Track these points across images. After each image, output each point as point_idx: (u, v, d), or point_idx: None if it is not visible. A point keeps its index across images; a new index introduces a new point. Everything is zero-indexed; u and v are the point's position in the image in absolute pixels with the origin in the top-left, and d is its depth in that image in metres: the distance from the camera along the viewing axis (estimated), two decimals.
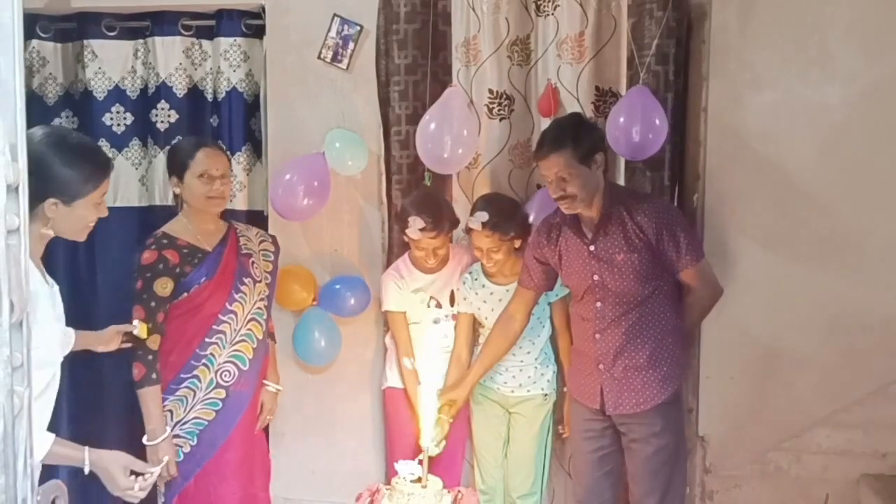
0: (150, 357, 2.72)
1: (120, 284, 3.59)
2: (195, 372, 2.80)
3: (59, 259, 3.63)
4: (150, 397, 2.73)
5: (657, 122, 2.89)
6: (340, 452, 3.40)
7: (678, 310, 2.82)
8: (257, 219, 3.45)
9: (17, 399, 0.86)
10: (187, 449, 2.80)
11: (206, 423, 2.81)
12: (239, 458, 2.89)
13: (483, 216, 2.94)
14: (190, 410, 2.80)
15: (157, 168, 3.56)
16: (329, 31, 3.29)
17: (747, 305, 3.06)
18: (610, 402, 2.80)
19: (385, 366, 3.31)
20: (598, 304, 2.77)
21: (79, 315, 3.53)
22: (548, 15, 3.14)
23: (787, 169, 3.02)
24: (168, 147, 3.33)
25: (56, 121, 3.62)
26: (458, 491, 3.00)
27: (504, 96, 3.20)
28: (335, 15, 3.28)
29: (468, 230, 3.04)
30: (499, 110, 3.20)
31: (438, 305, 3.17)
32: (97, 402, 3.61)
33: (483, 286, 3.11)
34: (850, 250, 3.01)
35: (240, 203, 3.51)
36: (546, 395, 3.14)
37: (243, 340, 2.87)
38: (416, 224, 2.98)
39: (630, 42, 3.07)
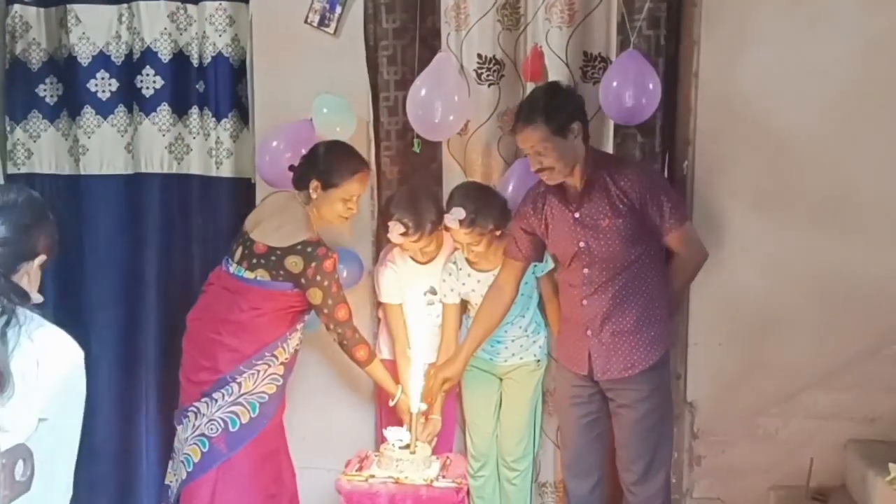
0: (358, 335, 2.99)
1: (108, 252, 3.60)
2: (275, 352, 2.89)
3: None
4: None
5: (650, 86, 2.86)
6: (330, 419, 3.41)
7: (664, 274, 2.81)
8: (244, 187, 3.43)
9: None
10: (245, 419, 2.85)
11: (268, 396, 2.89)
12: (278, 434, 3.02)
13: (460, 213, 2.88)
14: (259, 384, 2.87)
15: (142, 135, 3.52)
16: None
17: (736, 271, 3.06)
18: (598, 368, 2.80)
19: (377, 337, 3.31)
20: (585, 270, 2.76)
21: (65, 286, 3.54)
22: None
23: (777, 133, 3.01)
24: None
25: (40, 87, 3.58)
26: (447, 457, 3.03)
27: (493, 61, 3.16)
28: None
29: (445, 227, 2.98)
30: (488, 75, 3.16)
31: (433, 292, 3.16)
32: None
33: (469, 275, 3.08)
34: (841, 214, 3.00)
35: (226, 170, 3.48)
36: (538, 360, 3.15)
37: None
38: (395, 229, 2.95)
39: (620, 5, 3.02)
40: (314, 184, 2.88)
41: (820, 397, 3.06)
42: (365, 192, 3.01)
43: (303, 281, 2.82)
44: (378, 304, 3.28)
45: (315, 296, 2.84)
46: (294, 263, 2.81)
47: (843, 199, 2.99)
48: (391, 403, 3.09)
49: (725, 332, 3.10)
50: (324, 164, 2.90)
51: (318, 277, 2.82)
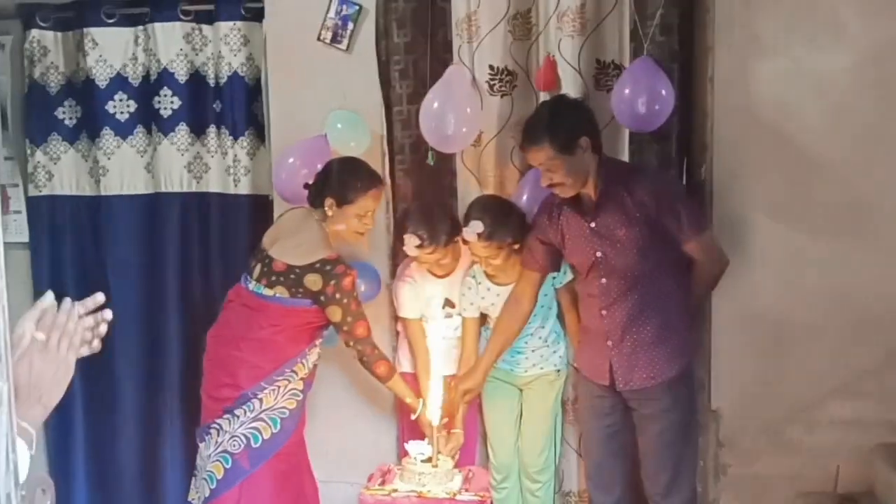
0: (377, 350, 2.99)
1: (128, 272, 3.63)
2: (295, 367, 2.90)
3: (66, 248, 3.65)
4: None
5: (663, 92, 2.83)
6: (352, 433, 3.41)
7: (685, 283, 2.79)
8: (262, 203, 3.45)
9: None
10: (267, 435, 2.87)
11: (289, 412, 2.90)
12: (300, 448, 3.03)
13: (478, 226, 2.87)
14: (279, 399, 2.88)
15: (161, 155, 3.55)
16: (328, 11, 3.26)
17: (758, 277, 3.02)
18: (619, 378, 2.78)
19: (396, 351, 3.30)
20: (603, 280, 2.74)
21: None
22: None
23: (796, 139, 2.97)
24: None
25: (59, 110, 3.62)
26: (469, 470, 3.02)
27: (505, 72, 3.15)
28: None
29: (464, 241, 2.98)
30: (500, 86, 3.16)
31: (451, 305, 3.16)
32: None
33: (488, 289, 3.07)
34: (861, 219, 2.96)
35: (244, 188, 3.51)
36: (558, 370, 3.13)
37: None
38: (411, 241, 2.95)
39: (633, 13, 3.01)
40: (329, 201, 2.90)
41: (844, 403, 3.00)
42: (379, 207, 3.01)
43: (322, 298, 2.83)
44: (396, 318, 3.28)
45: (334, 313, 2.85)
46: (313, 281, 2.82)
47: (859, 206, 2.94)
48: (413, 417, 3.08)
49: (749, 340, 3.06)
50: (338, 180, 2.91)
51: (338, 295, 2.82)
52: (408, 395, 3.08)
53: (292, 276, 2.84)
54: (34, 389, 1.29)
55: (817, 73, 2.92)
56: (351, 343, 2.93)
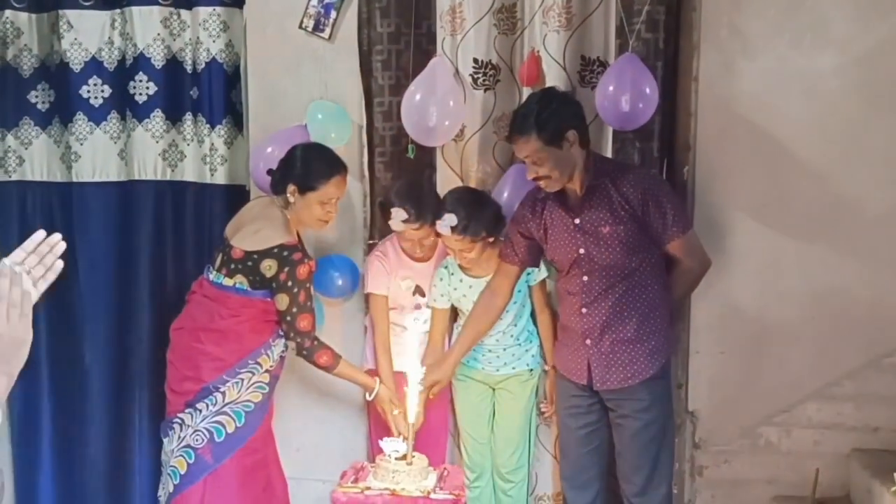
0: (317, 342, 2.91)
1: (98, 261, 3.54)
2: (259, 360, 2.85)
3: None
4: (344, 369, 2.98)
5: (647, 90, 2.81)
6: (325, 430, 3.35)
7: (666, 283, 2.77)
8: (238, 194, 3.38)
9: None
10: (231, 429, 2.81)
11: (254, 405, 2.85)
12: (267, 443, 2.98)
13: (451, 220, 2.84)
14: (243, 392, 2.83)
15: (135, 141, 3.46)
16: None
17: (737, 279, 3.01)
18: (597, 378, 2.75)
19: (367, 346, 3.25)
20: (585, 277, 2.71)
21: (57, 296, 3.49)
22: None
23: (779, 139, 2.96)
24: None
25: (31, 93, 3.52)
26: (444, 468, 2.97)
27: (489, 66, 3.12)
28: None
29: (437, 234, 2.95)
30: (483, 80, 3.12)
31: (422, 294, 3.11)
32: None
33: (461, 280, 3.04)
34: (841, 222, 2.95)
35: (221, 177, 3.43)
36: (531, 370, 3.10)
37: None
38: (398, 215, 2.91)
39: (619, 9, 2.98)
40: (291, 188, 2.84)
41: (822, 407, 3.01)
42: (343, 196, 2.95)
43: (274, 285, 2.78)
44: (368, 311, 3.22)
45: (281, 301, 2.80)
46: (268, 267, 2.77)
47: (840, 208, 2.95)
48: (369, 398, 3.05)
49: (727, 341, 3.05)
50: (300, 167, 2.86)
51: (290, 283, 2.77)
52: (360, 377, 3.04)
53: (249, 263, 2.79)
54: None
55: (803, 73, 2.92)
56: (291, 335, 2.87)
